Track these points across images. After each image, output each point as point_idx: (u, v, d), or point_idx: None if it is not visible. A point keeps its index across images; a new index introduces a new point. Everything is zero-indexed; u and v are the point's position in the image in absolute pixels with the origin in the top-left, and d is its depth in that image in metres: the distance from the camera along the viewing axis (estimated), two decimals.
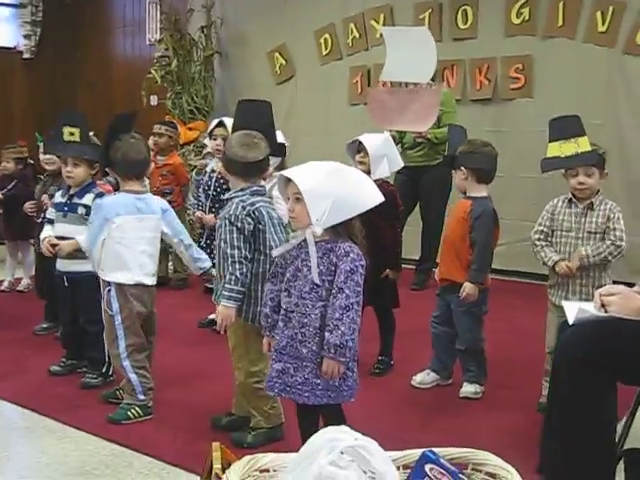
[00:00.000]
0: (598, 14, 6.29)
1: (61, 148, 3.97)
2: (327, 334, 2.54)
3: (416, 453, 2.11)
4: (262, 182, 3.31)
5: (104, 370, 3.99)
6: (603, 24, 6.28)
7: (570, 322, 2.47)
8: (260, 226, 3.09)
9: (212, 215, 4.98)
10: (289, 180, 2.62)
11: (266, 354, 2.86)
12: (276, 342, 2.72)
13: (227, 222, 3.07)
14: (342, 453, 1.85)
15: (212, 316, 5.20)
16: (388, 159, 4.03)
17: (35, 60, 10.11)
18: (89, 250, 3.61)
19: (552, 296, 3.65)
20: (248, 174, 3.16)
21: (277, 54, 8.36)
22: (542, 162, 3.62)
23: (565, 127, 3.52)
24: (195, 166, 7.39)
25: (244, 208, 3.07)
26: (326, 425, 2.77)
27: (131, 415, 3.49)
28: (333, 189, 2.54)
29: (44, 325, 4.96)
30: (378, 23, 7.52)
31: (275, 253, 2.77)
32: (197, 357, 4.47)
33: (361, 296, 2.57)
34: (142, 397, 3.53)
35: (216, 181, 5.05)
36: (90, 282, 3.91)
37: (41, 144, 4.81)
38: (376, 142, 4.04)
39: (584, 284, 3.52)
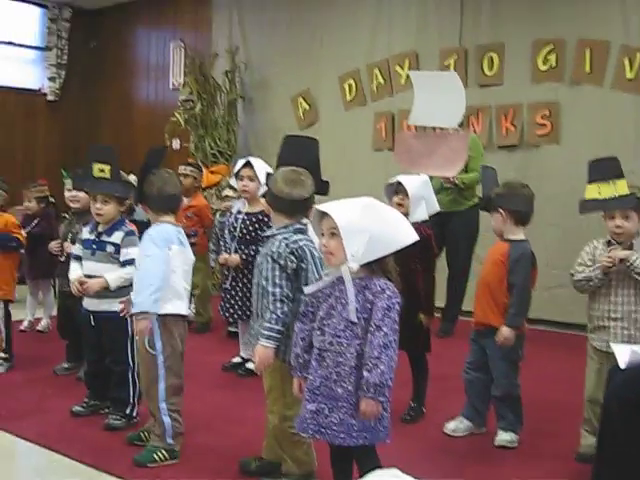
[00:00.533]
0: (626, 61, 6.26)
1: (90, 184, 3.91)
2: (366, 373, 2.47)
3: None
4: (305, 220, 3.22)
5: (128, 412, 3.90)
6: (631, 71, 6.25)
7: (622, 366, 2.39)
8: (303, 265, 3.00)
9: (237, 255, 4.92)
10: (324, 215, 2.59)
11: (298, 396, 2.77)
12: (309, 382, 2.64)
13: (270, 259, 2.99)
14: None
15: (236, 359, 5.15)
16: (426, 202, 3.96)
17: (59, 102, 10.20)
18: (156, 286, 3.38)
19: (593, 340, 3.55)
20: (293, 211, 3.07)
21: (301, 99, 8.38)
22: (580, 203, 3.58)
23: (604, 169, 3.48)
24: (217, 209, 7.38)
25: (287, 246, 2.99)
26: (360, 470, 2.70)
27: (157, 458, 3.39)
28: (369, 225, 2.51)
29: (65, 365, 4.89)
30: (403, 69, 7.54)
31: (307, 291, 2.71)
32: (222, 401, 4.38)
33: (398, 334, 2.52)
34: (171, 441, 3.44)
35: (242, 222, 4.99)
36: (118, 321, 3.86)
37: (67, 181, 4.75)
38: (416, 184, 3.97)
39: (626, 327, 3.42)
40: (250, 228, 4.95)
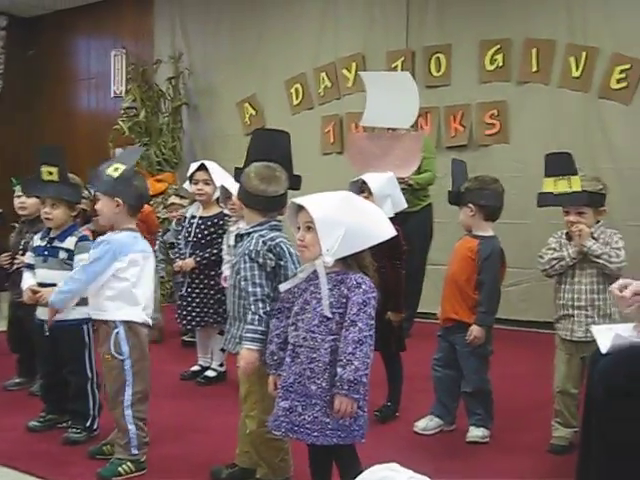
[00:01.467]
0: (572, 59, 6.34)
1: (40, 188, 3.76)
2: (339, 369, 2.41)
3: None
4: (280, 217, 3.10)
5: (88, 424, 3.75)
6: (577, 69, 6.33)
7: (604, 351, 2.35)
8: (281, 262, 2.89)
9: (191, 259, 4.81)
10: (300, 208, 2.54)
11: (273, 395, 2.69)
12: (283, 379, 2.58)
13: (248, 258, 2.87)
14: None
15: (195, 368, 5.03)
16: (392, 199, 3.91)
17: None
18: (81, 289, 3.36)
19: (559, 330, 3.57)
20: (268, 209, 2.97)
21: (247, 104, 8.30)
22: (538, 196, 3.62)
23: (558, 164, 3.50)
24: (165, 219, 7.24)
25: (265, 243, 2.88)
26: (340, 470, 2.63)
27: (122, 471, 3.25)
28: (346, 219, 2.47)
29: (16, 380, 4.70)
30: (350, 72, 7.52)
31: (282, 288, 2.64)
32: (184, 410, 4.26)
33: (374, 330, 2.46)
34: (135, 452, 3.30)
35: (197, 227, 4.89)
36: (74, 331, 3.72)
37: (16, 188, 4.58)
38: (380, 182, 3.91)
39: (590, 315, 3.45)
40: (205, 232, 4.85)
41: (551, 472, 3.25)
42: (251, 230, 2.96)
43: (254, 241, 2.89)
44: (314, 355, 2.48)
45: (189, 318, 4.86)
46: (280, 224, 3.01)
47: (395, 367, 4.04)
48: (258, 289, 2.83)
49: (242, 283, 2.88)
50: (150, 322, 3.41)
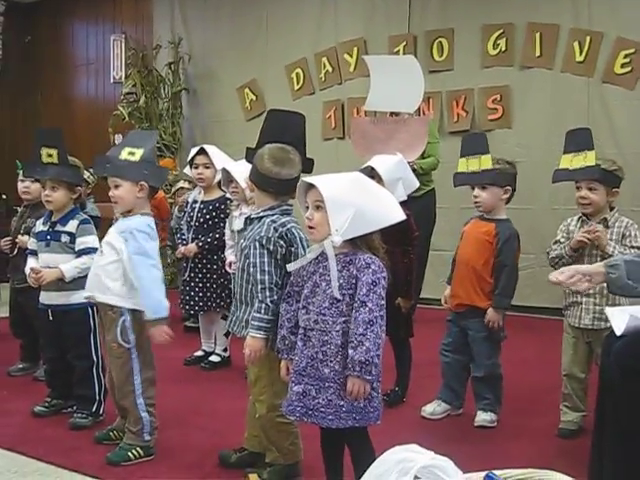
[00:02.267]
0: (575, 44, 6.31)
1: (40, 171, 3.73)
2: (351, 351, 2.39)
3: (478, 476, 1.94)
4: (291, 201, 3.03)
5: (94, 409, 3.73)
6: (581, 54, 6.30)
7: (618, 333, 2.33)
8: (292, 249, 2.84)
9: (194, 244, 4.78)
10: (309, 187, 2.52)
11: (285, 380, 2.67)
12: (295, 363, 2.56)
13: (258, 244, 2.81)
14: (416, 477, 1.67)
15: (198, 353, 5.01)
16: (403, 181, 3.85)
17: None
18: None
19: (567, 317, 3.54)
20: (280, 192, 2.90)
21: (247, 90, 8.25)
22: (554, 173, 3.61)
23: (577, 140, 3.49)
24: (171, 204, 7.20)
25: (276, 230, 2.82)
26: (352, 453, 2.61)
27: (132, 456, 3.23)
28: (355, 199, 2.44)
29: (20, 366, 4.68)
30: (351, 57, 7.48)
31: (290, 267, 2.61)
32: (189, 395, 4.24)
33: (384, 310, 2.44)
34: (148, 437, 3.28)
35: (199, 211, 4.86)
36: (78, 314, 3.70)
37: (20, 172, 4.54)
38: (389, 166, 3.83)
39: (598, 303, 3.42)
40: (207, 216, 4.83)
41: (559, 456, 3.23)
42: (262, 214, 2.90)
43: (265, 227, 2.83)
44: (326, 338, 2.47)
45: (192, 303, 4.84)
46: (291, 208, 2.96)
47: (404, 353, 4.02)
48: (266, 277, 2.79)
49: (251, 269, 2.83)
50: None
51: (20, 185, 4.49)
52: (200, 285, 4.83)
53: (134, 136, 3.49)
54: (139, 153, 3.23)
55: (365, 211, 2.44)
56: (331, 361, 2.46)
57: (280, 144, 2.94)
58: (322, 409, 2.47)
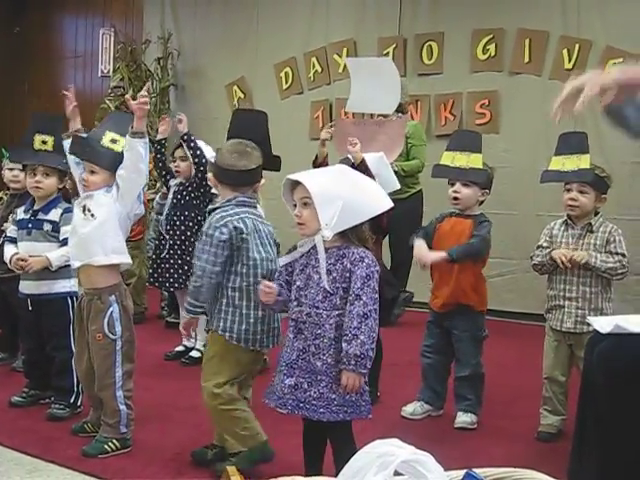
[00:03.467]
0: (564, 52, 6.33)
1: (30, 156, 3.68)
2: (345, 345, 2.40)
3: (458, 474, 1.93)
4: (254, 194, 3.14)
5: (72, 400, 3.70)
6: (569, 61, 6.32)
7: (603, 331, 2.31)
8: (243, 236, 2.91)
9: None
10: (295, 185, 2.52)
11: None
12: (286, 355, 2.56)
13: (203, 234, 2.93)
14: (396, 472, 1.65)
15: (179, 348, 4.98)
16: (381, 179, 3.84)
17: None
18: None
19: (549, 320, 3.55)
20: (238, 183, 3.00)
21: (235, 87, 8.22)
22: (542, 173, 3.63)
23: (571, 143, 3.51)
24: (151, 199, 7.16)
25: (222, 217, 2.92)
26: (335, 447, 2.60)
27: (108, 449, 3.20)
28: (342, 192, 2.46)
29: None
30: (341, 57, 7.45)
31: (282, 261, 2.64)
32: (169, 389, 4.22)
33: (378, 304, 2.45)
34: (124, 430, 3.26)
35: (175, 192, 4.93)
36: (58, 304, 3.67)
37: (6, 160, 4.48)
38: (369, 160, 3.86)
39: (580, 307, 3.43)
40: (184, 193, 4.90)
41: (539, 459, 3.23)
42: (218, 206, 3.02)
43: (214, 217, 2.93)
44: (319, 331, 2.47)
45: (171, 280, 4.89)
46: (251, 200, 3.04)
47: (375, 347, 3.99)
48: (199, 263, 2.91)
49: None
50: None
51: (8, 173, 4.41)
52: (180, 262, 4.86)
53: (116, 120, 3.43)
54: (121, 143, 3.20)
55: (353, 203, 2.45)
56: (324, 354, 2.47)
57: (239, 139, 3.07)
58: (314, 402, 2.47)
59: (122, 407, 3.25)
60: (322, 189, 2.44)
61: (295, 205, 2.55)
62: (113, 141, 3.22)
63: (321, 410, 2.45)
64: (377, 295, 2.43)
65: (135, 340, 3.35)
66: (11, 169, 4.38)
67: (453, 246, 3.58)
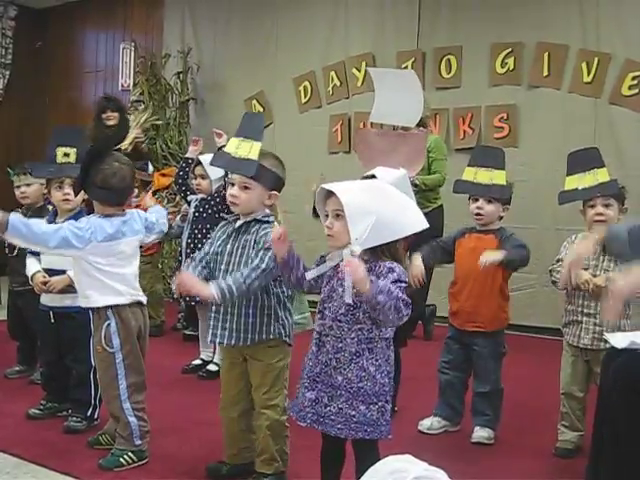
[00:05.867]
0: (583, 65, 6.30)
1: (53, 171, 3.68)
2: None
3: None
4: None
5: (89, 413, 3.71)
6: (588, 75, 6.29)
7: (619, 346, 2.29)
8: None
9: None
10: (329, 195, 2.47)
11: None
12: (309, 368, 2.54)
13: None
14: None
15: (196, 361, 4.99)
16: None
17: (3, 103, 9.83)
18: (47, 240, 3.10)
19: (566, 335, 3.53)
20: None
21: (254, 101, 8.25)
22: (559, 195, 3.57)
23: (584, 160, 3.48)
24: (169, 213, 7.19)
25: None
26: (359, 467, 2.54)
27: (124, 462, 3.21)
28: (376, 207, 2.39)
29: (17, 368, 4.66)
30: (360, 71, 7.47)
31: (309, 276, 2.58)
32: (185, 403, 4.22)
33: (405, 304, 2.34)
34: (139, 442, 3.26)
35: (196, 207, 4.94)
36: (80, 318, 3.66)
37: (14, 178, 4.48)
38: (390, 178, 3.82)
39: (598, 323, 3.39)
40: (206, 207, 4.91)
41: (556, 475, 3.22)
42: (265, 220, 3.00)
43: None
44: (340, 345, 2.44)
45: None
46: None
47: (394, 364, 3.97)
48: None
49: None
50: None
51: (17, 192, 4.43)
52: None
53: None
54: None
55: (386, 219, 2.39)
56: (344, 369, 2.44)
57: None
58: (332, 417, 2.44)
59: (131, 419, 3.25)
60: (355, 202, 2.38)
61: (327, 215, 2.50)
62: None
63: (339, 426, 2.42)
64: (406, 299, 2.35)
65: (140, 353, 3.33)
66: (18, 187, 4.40)
67: (481, 263, 3.54)
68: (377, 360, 2.45)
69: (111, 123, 6.95)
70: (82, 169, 3.26)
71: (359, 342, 2.41)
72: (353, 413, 2.41)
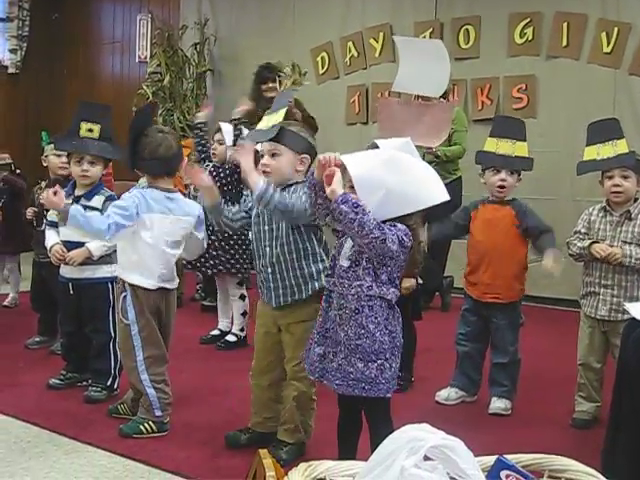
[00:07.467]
0: (603, 35, 6.24)
1: (77, 145, 3.69)
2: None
3: (489, 459, 1.94)
4: None
5: (109, 383, 3.76)
6: (608, 45, 6.23)
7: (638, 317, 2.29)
8: None
9: None
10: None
11: None
12: (319, 324, 2.57)
13: None
14: (425, 457, 1.66)
15: (214, 332, 5.02)
16: None
17: (20, 75, 9.88)
18: (103, 234, 3.19)
19: (584, 307, 3.53)
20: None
21: None
22: (578, 165, 3.54)
23: (603, 130, 3.45)
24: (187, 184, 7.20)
25: None
26: (369, 424, 2.60)
27: (144, 429, 3.26)
28: (387, 179, 2.36)
29: (37, 339, 4.71)
30: (377, 42, 7.43)
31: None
32: (204, 373, 4.26)
33: (394, 243, 2.34)
34: (159, 413, 3.30)
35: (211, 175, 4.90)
36: (100, 289, 3.72)
37: (47, 147, 4.51)
38: (394, 146, 3.80)
39: (615, 295, 3.38)
40: (215, 178, 4.76)
41: (573, 445, 3.22)
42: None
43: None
44: (342, 301, 2.47)
45: (210, 263, 4.84)
46: None
47: (408, 335, 3.98)
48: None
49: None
50: (167, 286, 3.41)
51: (56, 159, 4.42)
52: (216, 245, 4.80)
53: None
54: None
55: (399, 192, 2.36)
56: (346, 326, 2.45)
57: None
58: (333, 372, 2.48)
59: (150, 390, 3.28)
60: (365, 175, 2.36)
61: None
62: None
63: (337, 382, 2.45)
64: (400, 243, 2.36)
65: (156, 327, 3.35)
66: (58, 155, 4.38)
67: (500, 233, 3.61)
68: (376, 318, 2.44)
69: (271, 95, 6.38)
70: (129, 146, 3.29)
71: (359, 299, 2.42)
72: (351, 370, 2.43)
